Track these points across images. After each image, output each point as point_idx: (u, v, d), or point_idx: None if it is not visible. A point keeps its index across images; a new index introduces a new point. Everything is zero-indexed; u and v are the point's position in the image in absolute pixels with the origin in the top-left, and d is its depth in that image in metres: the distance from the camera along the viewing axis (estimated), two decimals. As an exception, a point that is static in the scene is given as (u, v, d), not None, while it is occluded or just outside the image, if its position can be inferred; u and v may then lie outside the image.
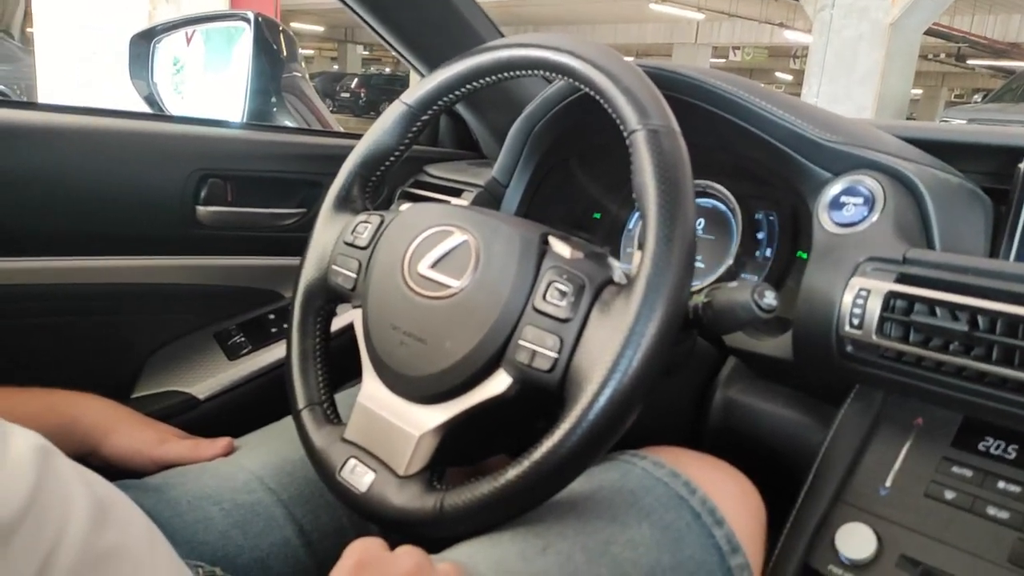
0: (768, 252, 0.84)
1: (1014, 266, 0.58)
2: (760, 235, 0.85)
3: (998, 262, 0.61)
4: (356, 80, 17.86)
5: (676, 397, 0.77)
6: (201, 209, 0.91)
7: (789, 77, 23.36)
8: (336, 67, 24.55)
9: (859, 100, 7.42)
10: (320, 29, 20.81)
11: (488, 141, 1.10)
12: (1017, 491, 0.53)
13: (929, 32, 8.93)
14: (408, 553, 0.50)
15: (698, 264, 0.89)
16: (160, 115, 1.26)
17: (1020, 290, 0.54)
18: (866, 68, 7.43)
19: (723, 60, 18.15)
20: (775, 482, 0.66)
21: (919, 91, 21.58)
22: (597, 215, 1.00)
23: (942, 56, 16.06)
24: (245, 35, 1.18)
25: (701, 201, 0.90)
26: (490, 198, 0.93)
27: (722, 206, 0.88)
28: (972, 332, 0.54)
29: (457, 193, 0.97)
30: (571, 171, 0.95)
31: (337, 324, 0.93)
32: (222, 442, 0.73)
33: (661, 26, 16.65)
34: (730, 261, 0.85)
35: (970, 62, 16.30)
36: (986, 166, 0.73)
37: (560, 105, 0.83)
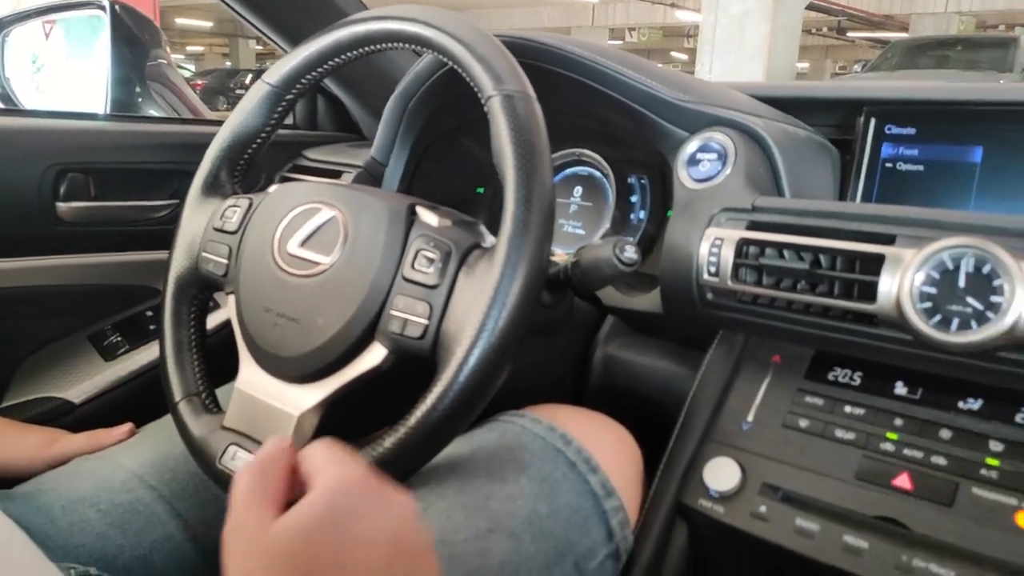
0: (642, 214, 0.87)
1: (851, 206, 0.63)
2: (634, 198, 0.88)
3: (838, 203, 0.65)
4: (251, 76, 17.20)
5: (559, 358, 0.79)
6: (62, 206, 0.87)
7: (684, 56, 24.02)
8: (229, 63, 23.63)
9: (749, 75, 7.71)
10: (208, 24, 19.95)
11: (367, 122, 1.09)
12: (861, 413, 0.57)
13: (811, 7, 9.37)
14: (403, 501, 0.41)
15: (578, 230, 0.91)
16: (8, 110, 1.19)
17: (856, 228, 0.58)
18: (754, 44, 7.72)
19: (620, 41, 18.50)
20: (654, 430, 0.69)
21: (806, 65, 22.58)
22: (480, 189, 1.01)
23: (824, 30, 16.85)
24: (106, 24, 1.12)
25: (577, 169, 0.92)
26: (370, 178, 0.92)
27: (597, 173, 0.91)
28: (814, 270, 0.58)
29: (337, 175, 0.96)
30: (451, 146, 0.95)
31: (221, 317, 0.91)
32: (123, 428, 0.72)
33: (556, 10, 16.79)
34: (607, 225, 0.88)
35: (850, 35, 17.17)
36: (831, 119, 0.77)
37: (431, 79, 0.83)
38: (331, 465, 0.41)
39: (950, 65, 7.11)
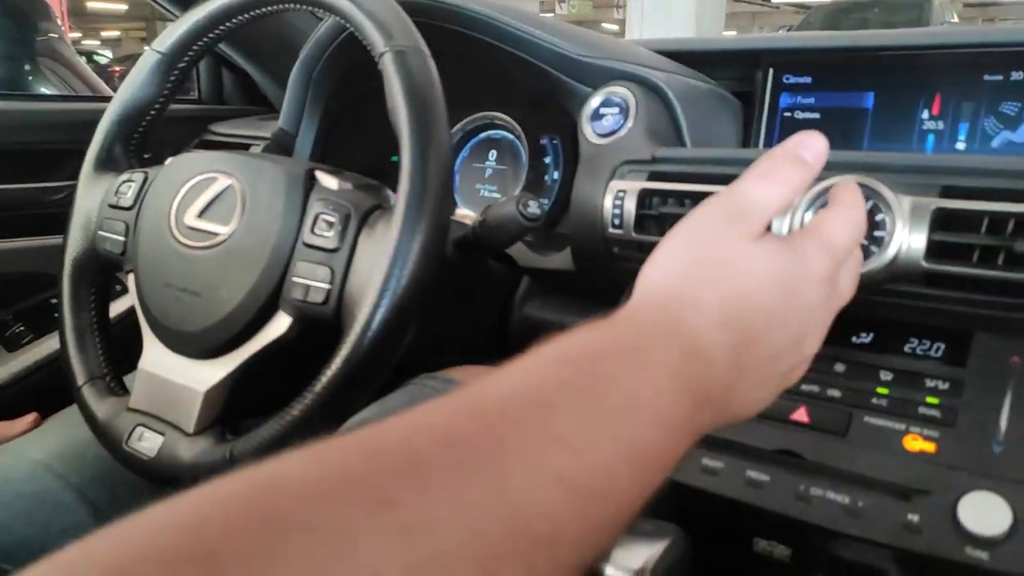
0: (556, 175, 0.87)
1: (746, 152, 0.64)
2: (547, 159, 0.88)
3: (734, 151, 0.66)
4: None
5: (477, 323, 0.79)
6: (-52, 191, 0.83)
7: (616, 27, 24.09)
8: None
9: (678, 43, 7.76)
10: (123, 7, 19.08)
11: (276, 93, 1.06)
12: None
13: (734, -26, 9.47)
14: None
15: (493, 194, 0.91)
16: None
17: None
18: (681, 12, 7.76)
19: (551, 13, 18.43)
20: None
21: (733, 33, 22.91)
22: (395, 158, 0.99)
23: (750, -3, 17.15)
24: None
25: (490, 132, 0.92)
26: (278, 150, 0.90)
27: (510, 135, 0.91)
28: None
29: (245, 149, 0.93)
30: (362, 115, 0.93)
31: (129, 302, 0.88)
32: (26, 419, 0.71)
33: (487, -17, 16.62)
34: (520, 187, 0.88)
35: (775, 1, 17.50)
36: (732, 72, 0.79)
37: (335, 43, 0.81)
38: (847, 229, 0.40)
39: (869, 27, 7.28)
